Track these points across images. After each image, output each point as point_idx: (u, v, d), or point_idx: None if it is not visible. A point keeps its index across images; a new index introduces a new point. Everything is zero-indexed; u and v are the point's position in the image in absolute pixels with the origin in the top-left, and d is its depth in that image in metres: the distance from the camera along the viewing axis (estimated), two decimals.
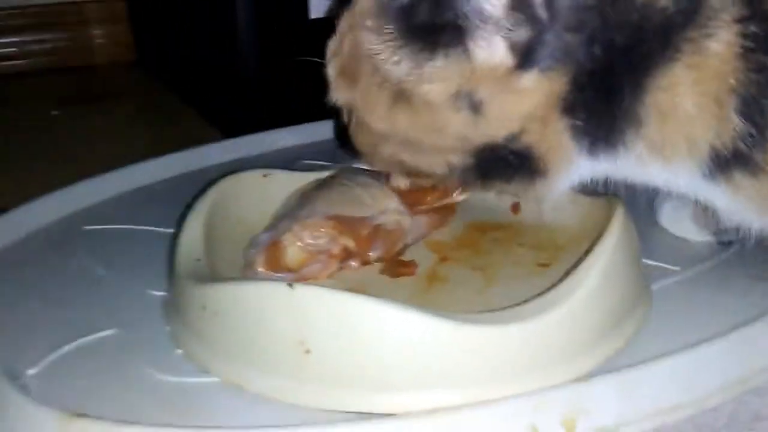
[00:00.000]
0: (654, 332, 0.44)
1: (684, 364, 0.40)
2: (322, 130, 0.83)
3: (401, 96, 0.42)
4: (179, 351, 0.45)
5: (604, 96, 0.40)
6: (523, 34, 0.38)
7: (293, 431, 0.36)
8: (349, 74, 0.46)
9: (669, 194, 0.57)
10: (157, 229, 0.62)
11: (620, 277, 0.43)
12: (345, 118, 0.50)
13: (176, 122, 1.03)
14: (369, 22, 0.42)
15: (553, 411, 0.36)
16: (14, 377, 0.42)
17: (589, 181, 0.46)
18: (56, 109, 1.10)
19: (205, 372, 0.43)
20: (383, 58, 0.42)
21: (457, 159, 0.43)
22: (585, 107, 0.40)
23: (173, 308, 0.48)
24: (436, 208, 0.56)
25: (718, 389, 0.40)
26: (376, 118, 0.44)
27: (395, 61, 0.41)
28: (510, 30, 0.38)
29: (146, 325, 0.48)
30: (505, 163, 0.42)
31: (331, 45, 0.48)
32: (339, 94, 0.48)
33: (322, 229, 0.50)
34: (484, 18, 0.38)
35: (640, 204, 0.57)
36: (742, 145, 0.38)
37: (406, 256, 0.53)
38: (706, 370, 0.40)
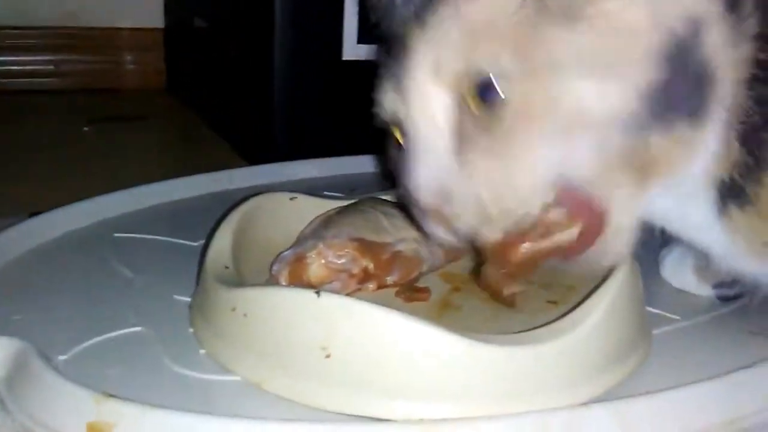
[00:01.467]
0: (652, 371, 0.47)
1: (676, 401, 0.42)
2: (343, 165, 0.87)
3: (578, 18, 0.39)
4: (202, 351, 0.48)
5: None
6: None
7: (296, 426, 0.38)
8: (493, 39, 0.40)
9: (672, 248, 0.61)
10: (183, 241, 0.65)
11: (623, 316, 0.46)
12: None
13: (203, 148, 1.07)
14: None
15: (554, 430, 0.39)
16: (47, 361, 0.44)
17: None
18: (87, 126, 1.15)
19: (227, 371, 0.45)
20: None
21: (644, 73, 0.39)
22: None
23: (199, 312, 0.51)
24: None
25: (707, 428, 0.42)
26: (549, 46, 0.39)
27: None
28: None
29: (171, 325, 0.51)
30: (686, 81, 0.39)
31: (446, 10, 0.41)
32: (488, 59, 0.40)
33: (346, 250, 0.53)
34: None
35: (648, 258, 0.61)
36: (737, 176, 0.41)
37: (421, 284, 0.56)
38: (697, 408, 0.42)
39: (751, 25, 0.40)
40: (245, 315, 0.45)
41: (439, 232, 0.44)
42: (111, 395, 0.39)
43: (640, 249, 0.53)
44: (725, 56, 0.40)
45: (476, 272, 0.46)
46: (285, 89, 0.91)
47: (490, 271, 0.45)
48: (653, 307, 0.55)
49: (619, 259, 0.44)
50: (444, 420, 0.39)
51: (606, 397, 0.42)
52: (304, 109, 0.92)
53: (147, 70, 1.44)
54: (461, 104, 0.41)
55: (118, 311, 0.52)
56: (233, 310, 0.45)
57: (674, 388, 0.43)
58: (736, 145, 0.41)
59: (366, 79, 0.52)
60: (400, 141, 0.46)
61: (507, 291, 0.45)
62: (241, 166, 0.95)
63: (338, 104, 0.89)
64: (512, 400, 0.40)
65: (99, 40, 1.43)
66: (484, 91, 0.40)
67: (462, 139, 0.41)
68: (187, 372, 0.45)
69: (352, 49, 0.91)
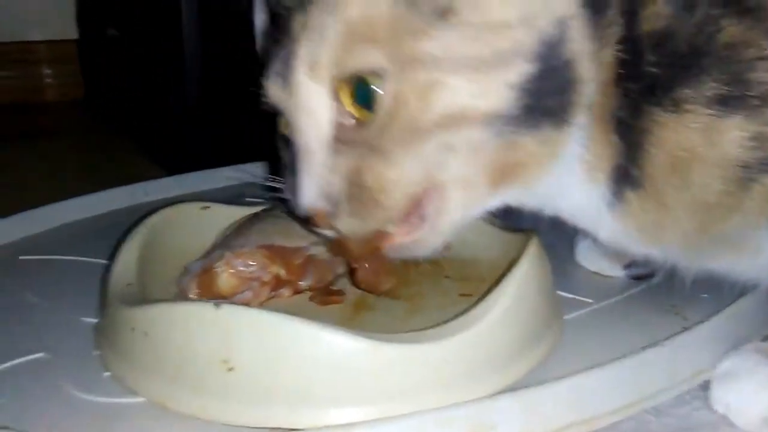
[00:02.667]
0: (563, 356, 0.47)
1: (587, 384, 0.43)
2: (263, 170, 0.86)
3: (449, 12, 0.39)
4: (107, 373, 0.46)
5: None
6: None
7: None
8: (367, 37, 0.40)
9: (585, 233, 0.62)
10: (93, 260, 0.63)
11: (531, 304, 0.46)
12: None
13: (120, 161, 1.04)
14: None
15: (461, 425, 0.39)
16: None
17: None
18: None
19: (132, 393, 0.44)
20: None
21: (517, 68, 0.39)
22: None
23: (103, 333, 0.49)
24: None
25: (618, 408, 0.43)
26: (424, 43, 0.39)
27: None
28: None
29: (75, 349, 0.49)
30: (555, 82, 0.40)
31: (315, 19, 0.40)
32: (362, 59, 0.40)
33: (255, 257, 0.52)
34: None
35: (564, 245, 0.62)
36: (623, 163, 0.42)
37: (337, 286, 0.55)
38: (607, 390, 0.43)
39: (616, 30, 0.41)
40: (146, 333, 0.43)
41: (323, 231, 0.45)
42: (2, 427, 0.38)
43: (555, 237, 0.54)
44: (588, 59, 0.40)
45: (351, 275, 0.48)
46: (198, 94, 0.89)
47: (362, 272, 0.46)
48: (567, 292, 0.56)
49: (432, 250, 0.45)
50: (350, 425, 0.38)
51: (515, 387, 0.43)
52: (218, 113, 0.90)
53: (65, 83, 1.40)
54: (339, 103, 0.41)
55: (19, 338, 0.50)
56: (133, 329, 0.44)
57: (582, 372, 0.43)
58: (615, 137, 0.42)
59: None
60: (284, 130, 0.46)
61: (384, 286, 0.47)
62: (160, 177, 0.92)
63: (254, 107, 0.87)
64: (419, 398, 0.40)
65: (13, 55, 1.38)
66: (360, 90, 0.40)
67: (341, 139, 0.42)
68: (89, 397, 0.44)
69: None
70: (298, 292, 0.54)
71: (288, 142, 0.46)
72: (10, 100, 1.35)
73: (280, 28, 0.44)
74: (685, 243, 0.44)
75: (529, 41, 0.39)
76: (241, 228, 0.56)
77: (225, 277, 0.51)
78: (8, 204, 0.78)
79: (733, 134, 0.39)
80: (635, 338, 0.49)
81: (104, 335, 0.48)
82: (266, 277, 0.52)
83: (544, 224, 0.51)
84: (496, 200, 0.44)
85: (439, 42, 0.39)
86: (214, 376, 0.41)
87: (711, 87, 0.39)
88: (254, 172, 0.85)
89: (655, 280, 0.59)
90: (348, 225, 0.43)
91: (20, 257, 0.64)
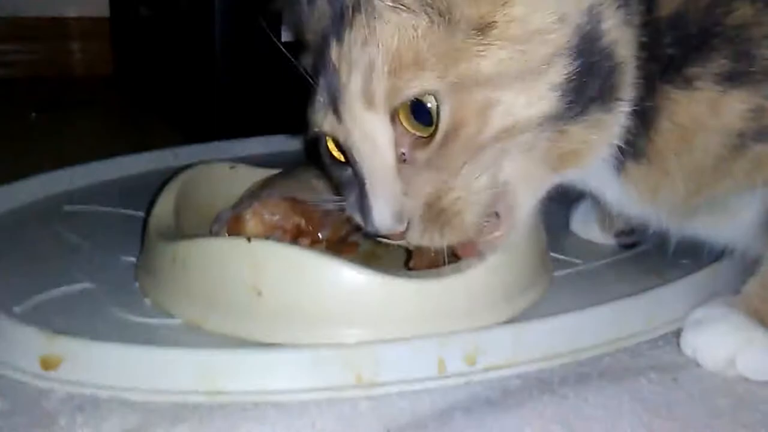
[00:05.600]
0: (549, 303, 0.53)
1: (569, 322, 0.48)
2: (287, 143, 0.91)
3: (487, 27, 0.40)
4: (147, 300, 0.52)
5: None
6: None
7: (228, 352, 0.44)
8: (414, 62, 0.40)
9: (580, 204, 0.67)
10: (128, 211, 0.70)
11: (522, 257, 0.52)
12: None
13: (149, 132, 1.10)
14: None
15: (458, 348, 0.44)
16: (4, 310, 0.48)
17: None
18: (34, 113, 1.17)
19: (170, 315, 0.50)
20: None
21: (560, 69, 0.41)
22: None
23: (143, 266, 0.55)
24: None
25: (595, 345, 0.49)
26: (476, 62, 0.40)
27: None
28: None
29: (118, 281, 0.55)
30: (596, 70, 0.42)
31: (361, 58, 0.41)
32: (416, 85, 0.41)
33: (279, 208, 0.58)
34: None
35: (560, 214, 0.67)
36: (631, 137, 0.46)
37: (351, 239, 0.61)
38: (587, 329, 0.49)
39: (638, 15, 0.44)
40: (184, 264, 0.49)
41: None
42: (60, 332, 0.44)
43: (553, 206, 0.59)
44: (622, 41, 0.43)
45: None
46: (227, 72, 0.95)
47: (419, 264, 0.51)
48: (559, 254, 0.61)
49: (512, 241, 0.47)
50: (360, 343, 0.44)
51: (504, 323, 0.48)
52: (245, 90, 0.96)
53: (94, 58, 1.46)
54: (399, 125, 0.42)
55: (67, 271, 0.57)
56: (173, 260, 0.50)
57: (562, 313, 0.49)
58: (631, 116, 0.45)
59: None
60: (334, 153, 0.48)
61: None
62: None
63: (278, 85, 0.93)
64: (421, 325, 0.46)
65: (46, 30, 1.44)
66: (418, 111, 0.41)
67: (405, 160, 0.43)
68: (132, 317, 0.50)
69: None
70: (315, 242, 0.60)
71: (339, 164, 0.48)
72: (40, 73, 1.41)
73: (317, 56, 0.46)
74: (678, 206, 0.48)
75: (567, 39, 0.41)
76: (267, 182, 0.62)
77: (252, 224, 0.57)
78: (44, 165, 0.84)
79: (736, 106, 0.44)
80: (616, 293, 0.54)
81: (144, 268, 0.55)
82: (288, 226, 0.58)
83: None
84: (559, 180, 0.47)
85: (489, 60, 0.40)
86: (244, 300, 0.47)
87: (719, 64, 0.43)
88: (277, 144, 0.92)
89: (641, 248, 0.65)
90: (423, 240, 0.44)
91: (65, 207, 0.70)
